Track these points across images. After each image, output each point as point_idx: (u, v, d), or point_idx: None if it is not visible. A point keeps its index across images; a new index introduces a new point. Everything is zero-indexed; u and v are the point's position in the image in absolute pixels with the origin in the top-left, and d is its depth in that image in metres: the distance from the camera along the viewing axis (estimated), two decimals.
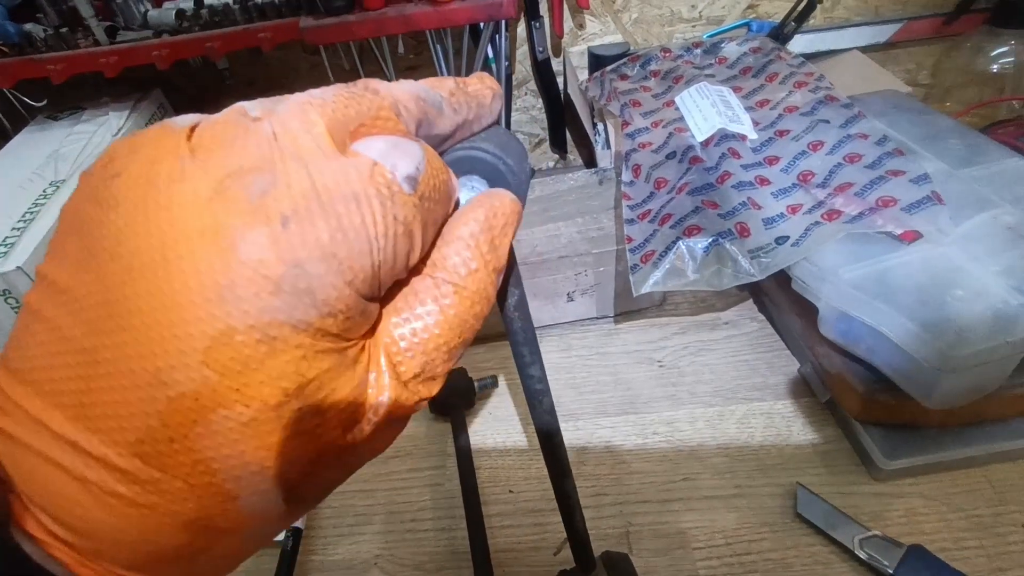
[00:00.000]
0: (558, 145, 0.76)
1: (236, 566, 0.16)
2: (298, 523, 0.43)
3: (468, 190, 0.18)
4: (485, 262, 0.16)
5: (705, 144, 0.48)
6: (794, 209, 0.42)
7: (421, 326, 0.16)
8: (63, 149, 0.53)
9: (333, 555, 0.44)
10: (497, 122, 0.20)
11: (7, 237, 0.42)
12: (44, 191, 0.47)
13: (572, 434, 0.49)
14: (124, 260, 0.12)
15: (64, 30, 0.54)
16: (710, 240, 0.39)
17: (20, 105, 0.59)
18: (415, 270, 0.16)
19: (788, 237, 0.40)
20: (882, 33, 0.68)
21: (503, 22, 0.55)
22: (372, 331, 0.15)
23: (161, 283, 0.12)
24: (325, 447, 0.15)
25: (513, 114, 0.76)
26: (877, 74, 0.66)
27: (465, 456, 0.47)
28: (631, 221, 0.45)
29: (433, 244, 0.16)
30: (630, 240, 0.43)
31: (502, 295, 0.22)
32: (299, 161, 0.13)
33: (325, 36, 0.51)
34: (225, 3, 0.55)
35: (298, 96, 0.14)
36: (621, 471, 0.46)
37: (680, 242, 0.40)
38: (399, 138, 0.15)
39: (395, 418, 0.16)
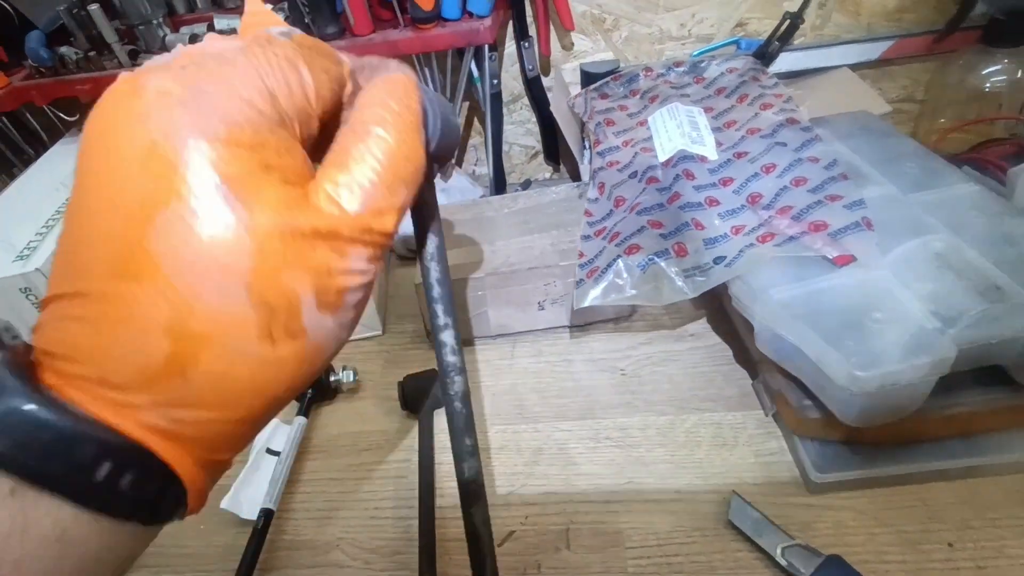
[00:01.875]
0: (551, 157, 0.79)
1: (237, 403, 0.17)
2: (270, 504, 0.47)
3: None
4: (399, 112, 0.19)
5: (665, 164, 0.50)
6: (738, 230, 0.44)
7: (354, 166, 0.18)
8: None
9: (301, 536, 0.48)
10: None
11: (31, 241, 0.48)
12: (66, 200, 0.53)
13: (531, 435, 0.52)
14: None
15: (92, 54, 0.60)
16: (647, 259, 0.42)
17: (56, 120, 0.66)
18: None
19: (725, 257, 0.42)
20: (873, 51, 0.69)
21: (485, 46, 0.58)
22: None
23: (104, 126, 0.16)
24: (264, 237, 0.16)
25: (508, 127, 0.79)
26: (862, 92, 0.66)
27: (426, 452, 0.50)
28: (587, 237, 0.48)
29: (339, 112, 0.19)
30: (582, 255, 0.46)
31: (421, 239, 0.24)
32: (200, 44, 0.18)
33: None
34: (233, 28, 0.60)
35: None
36: (571, 472, 0.49)
37: (619, 259, 0.43)
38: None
39: (345, 244, 0.18)
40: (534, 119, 0.79)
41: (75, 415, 0.15)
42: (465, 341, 0.62)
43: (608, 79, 0.65)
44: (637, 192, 0.49)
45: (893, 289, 0.39)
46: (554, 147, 0.78)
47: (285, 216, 0.16)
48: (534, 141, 0.81)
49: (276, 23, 0.19)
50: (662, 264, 0.41)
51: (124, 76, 0.17)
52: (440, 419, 0.55)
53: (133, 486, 0.16)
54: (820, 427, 0.43)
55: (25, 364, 0.16)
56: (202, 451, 0.18)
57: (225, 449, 0.18)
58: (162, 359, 0.16)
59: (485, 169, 0.83)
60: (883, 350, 0.36)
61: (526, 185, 0.82)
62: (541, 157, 0.82)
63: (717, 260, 0.42)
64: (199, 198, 0.15)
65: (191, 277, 0.15)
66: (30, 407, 0.15)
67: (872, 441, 0.42)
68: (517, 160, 0.83)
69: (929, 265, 0.39)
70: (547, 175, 0.84)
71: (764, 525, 0.42)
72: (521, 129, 0.80)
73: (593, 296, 0.43)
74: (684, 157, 0.50)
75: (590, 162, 0.66)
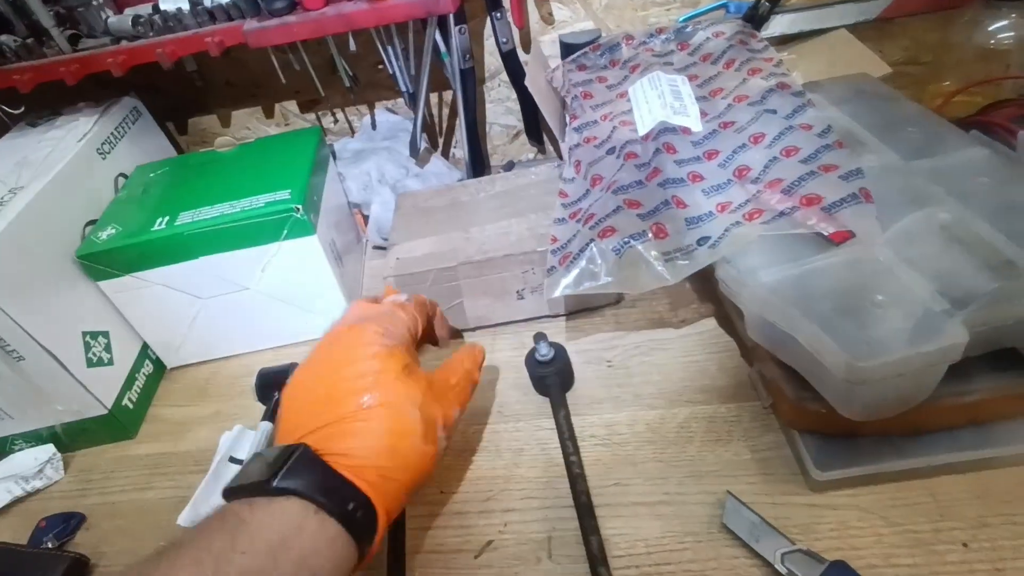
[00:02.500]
0: (534, 136, 0.75)
1: (410, 479, 0.34)
2: None
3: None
4: (469, 375, 0.41)
5: (644, 138, 0.46)
6: (724, 207, 0.40)
7: (461, 375, 0.41)
8: (31, 156, 0.55)
9: None
10: None
11: None
12: (2, 198, 0.49)
13: (511, 435, 0.49)
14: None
15: (31, 41, 0.56)
16: (622, 242, 0.38)
17: (2, 113, 0.62)
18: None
19: (709, 238, 0.38)
20: (871, 10, 0.64)
21: (450, 17, 0.54)
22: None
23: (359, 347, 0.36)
24: (427, 386, 0.36)
25: (488, 105, 0.75)
26: (860, 54, 0.62)
27: None
28: (562, 220, 0.44)
29: (431, 330, 0.45)
30: (554, 240, 0.43)
31: None
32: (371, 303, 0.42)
33: (268, 38, 0.51)
34: (179, 8, 0.56)
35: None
36: (553, 474, 0.45)
37: (592, 244, 0.39)
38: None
39: (458, 394, 0.40)
40: (514, 96, 0.74)
41: (341, 478, 0.31)
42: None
43: (586, 49, 0.60)
44: (615, 169, 0.45)
45: (895, 268, 0.35)
46: (536, 125, 0.73)
47: (432, 381, 0.37)
48: (515, 120, 0.77)
49: (396, 294, 0.43)
50: (639, 247, 0.38)
51: (356, 325, 0.38)
52: None
53: (363, 517, 0.31)
54: (820, 420, 0.39)
55: (315, 452, 0.31)
56: (388, 501, 0.32)
57: (396, 501, 0.33)
58: (385, 446, 0.33)
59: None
60: (886, 337, 0.32)
61: (509, 167, 0.78)
62: (523, 137, 0.78)
63: (701, 241, 0.38)
64: (399, 367, 0.35)
65: (396, 402, 0.34)
66: (328, 472, 0.31)
67: (876, 433, 0.39)
68: (498, 141, 0.79)
69: (934, 240, 0.35)
70: (531, 155, 0.80)
71: (762, 528, 0.38)
72: (501, 108, 0.76)
73: (565, 284, 0.39)
74: (665, 129, 0.46)
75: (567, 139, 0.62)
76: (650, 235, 0.38)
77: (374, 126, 0.72)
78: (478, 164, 0.69)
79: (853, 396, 0.33)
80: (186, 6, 0.56)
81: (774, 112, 0.45)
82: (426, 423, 0.34)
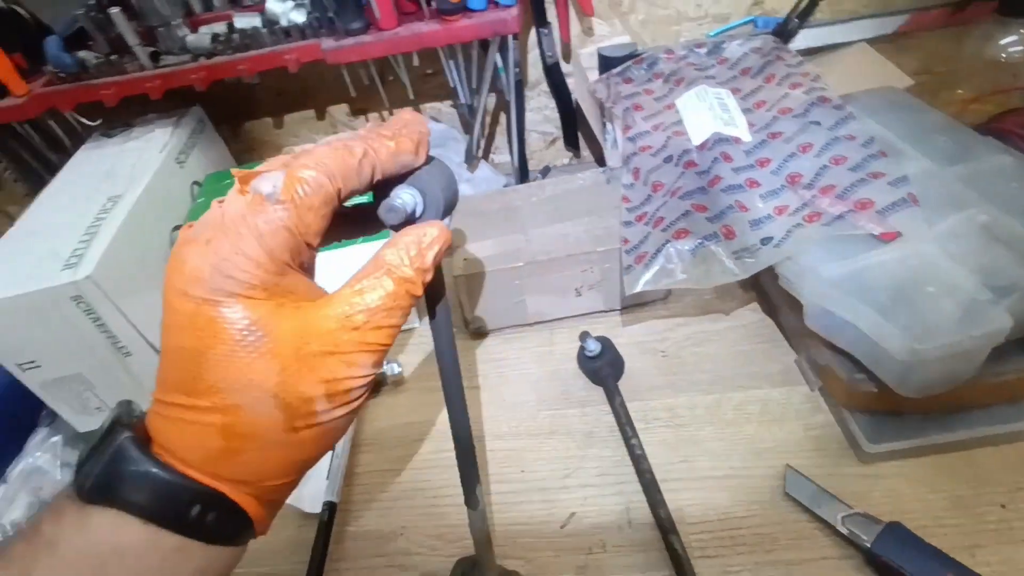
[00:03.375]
0: (571, 143, 0.79)
1: (275, 471, 0.25)
2: (333, 497, 0.48)
3: (398, 195, 0.26)
4: (411, 260, 0.25)
5: (700, 147, 0.51)
6: (781, 210, 0.45)
7: (367, 294, 0.24)
8: (117, 166, 0.59)
9: (364, 527, 0.49)
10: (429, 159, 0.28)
11: (76, 248, 0.48)
12: (104, 206, 0.53)
13: (580, 419, 0.53)
14: (164, 296, 0.23)
15: (114, 57, 0.59)
16: (697, 243, 0.43)
17: (77, 124, 0.65)
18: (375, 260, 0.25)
19: (772, 238, 0.43)
20: (890, 25, 0.69)
21: (509, 36, 0.58)
22: (304, 297, 0.24)
23: (167, 296, 0.23)
24: (286, 362, 0.23)
25: (528, 114, 0.79)
26: (882, 66, 0.67)
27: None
28: (629, 223, 0.49)
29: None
30: (626, 242, 0.47)
31: (431, 311, 0.30)
32: (223, 209, 0.23)
33: (344, 56, 0.55)
34: (255, 27, 0.59)
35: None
36: (623, 453, 0.50)
37: (669, 245, 0.43)
38: (268, 172, 0.23)
39: (352, 355, 0.24)
40: (552, 105, 0.79)
41: (174, 473, 0.23)
42: (501, 330, 0.63)
43: (630, 63, 0.65)
44: (675, 176, 0.49)
45: (941, 263, 0.40)
46: (574, 133, 0.78)
47: (299, 343, 0.23)
48: (552, 128, 0.81)
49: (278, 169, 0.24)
50: (712, 247, 0.42)
51: (175, 249, 0.23)
52: (487, 406, 0.56)
53: (216, 520, 0.23)
54: (871, 399, 0.44)
55: (145, 439, 0.23)
56: (260, 495, 0.25)
57: (275, 496, 0.25)
58: (217, 451, 0.23)
59: (505, 157, 0.83)
60: (939, 322, 0.37)
61: (545, 172, 0.82)
62: (559, 143, 0.82)
63: (764, 241, 0.43)
64: (234, 340, 0.22)
65: (235, 396, 0.22)
66: (153, 470, 0.22)
67: (921, 410, 0.44)
68: (535, 147, 0.83)
69: (976, 238, 0.40)
70: (565, 161, 0.85)
71: (821, 496, 0.43)
72: (539, 116, 0.80)
73: (645, 280, 0.43)
74: (719, 140, 0.50)
75: (615, 146, 0.66)
76: (721, 236, 0.42)
77: None
78: (524, 170, 0.73)
79: (910, 375, 0.38)
80: (259, 23, 0.60)
81: (818, 124, 0.50)
82: (289, 410, 0.23)
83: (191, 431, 0.23)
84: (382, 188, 0.27)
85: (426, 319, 0.62)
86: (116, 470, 0.22)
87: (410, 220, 0.26)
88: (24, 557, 0.22)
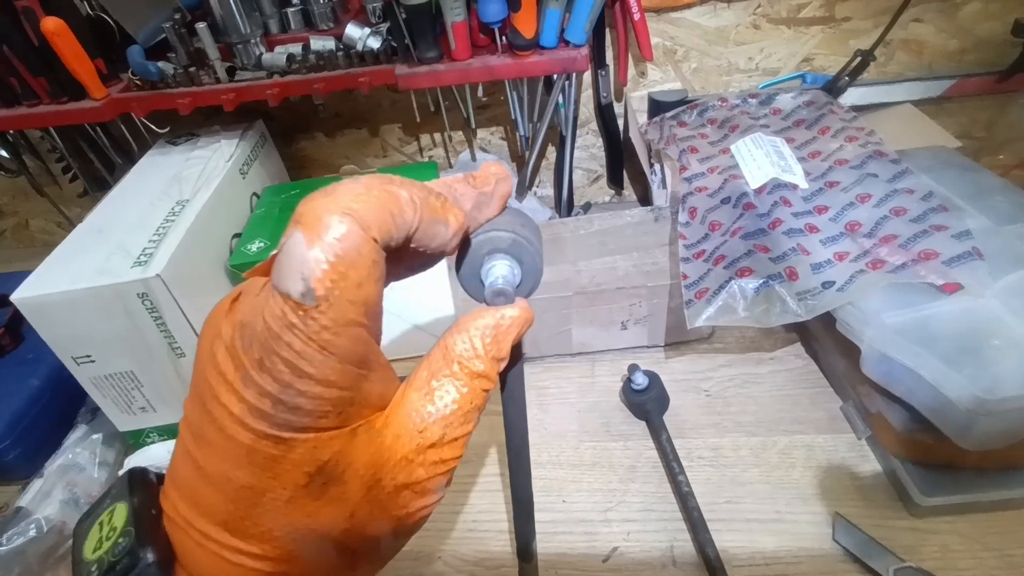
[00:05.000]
0: (615, 181, 0.81)
1: None
2: None
3: (493, 266, 0.22)
4: (486, 351, 0.21)
5: (758, 191, 0.52)
6: (841, 256, 0.46)
7: (439, 398, 0.20)
8: (184, 172, 0.61)
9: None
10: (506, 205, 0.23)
11: (145, 248, 0.49)
12: (172, 209, 0.54)
13: (622, 453, 0.53)
14: (203, 398, 0.18)
15: (192, 69, 0.62)
16: (761, 282, 0.43)
17: (145, 130, 0.68)
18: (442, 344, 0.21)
19: (834, 282, 0.43)
20: (935, 88, 0.71)
21: (575, 74, 0.60)
22: (379, 406, 0.20)
23: (217, 413, 0.18)
24: (356, 508, 0.20)
25: (576, 151, 0.81)
26: (928, 127, 0.68)
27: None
28: (686, 259, 0.49)
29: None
30: (685, 277, 0.48)
31: (503, 380, 0.26)
32: (260, 310, 0.17)
33: (417, 82, 0.58)
34: (330, 49, 0.62)
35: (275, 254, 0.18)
36: (667, 490, 0.49)
37: (733, 282, 0.44)
38: (287, 248, 0.17)
39: (426, 481, 0.20)
40: (598, 144, 0.81)
41: None
42: (544, 358, 0.63)
43: (684, 107, 0.67)
44: (734, 217, 0.50)
45: (1004, 317, 0.41)
46: (619, 171, 0.80)
47: (371, 480, 0.19)
48: (597, 165, 0.83)
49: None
50: (776, 287, 0.43)
51: (227, 352, 0.18)
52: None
53: None
54: (925, 450, 0.44)
55: (167, 557, 0.20)
56: None
57: None
58: None
59: (547, 191, 0.85)
60: (1004, 374, 0.37)
61: (587, 208, 0.84)
62: (602, 181, 0.84)
63: (826, 284, 0.44)
64: (299, 485, 0.18)
65: (292, 545, 0.19)
66: None
67: (976, 465, 0.43)
68: (578, 183, 0.85)
69: None
70: (606, 198, 0.86)
71: (872, 546, 0.43)
72: (585, 154, 0.82)
73: (707, 316, 0.44)
74: (778, 184, 0.51)
75: (663, 186, 0.67)
76: (785, 277, 0.43)
77: (473, 159, 0.78)
78: (570, 203, 0.75)
79: (972, 427, 0.38)
80: (334, 46, 0.62)
81: (875, 176, 0.51)
82: (351, 555, 0.20)
83: (230, 571, 0.19)
84: None
85: None
86: None
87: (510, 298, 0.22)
88: None
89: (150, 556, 0.19)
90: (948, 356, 0.39)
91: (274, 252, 0.18)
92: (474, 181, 0.22)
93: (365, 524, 0.20)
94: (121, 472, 0.19)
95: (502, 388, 0.26)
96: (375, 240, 0.17)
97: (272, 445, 0.18)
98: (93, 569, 0.19)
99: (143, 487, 0.21)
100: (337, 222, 0.16)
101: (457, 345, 0.21)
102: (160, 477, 0.21)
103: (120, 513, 0.20)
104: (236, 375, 0.17)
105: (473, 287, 0.23)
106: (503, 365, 0.22)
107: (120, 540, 0.19)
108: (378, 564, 0.22)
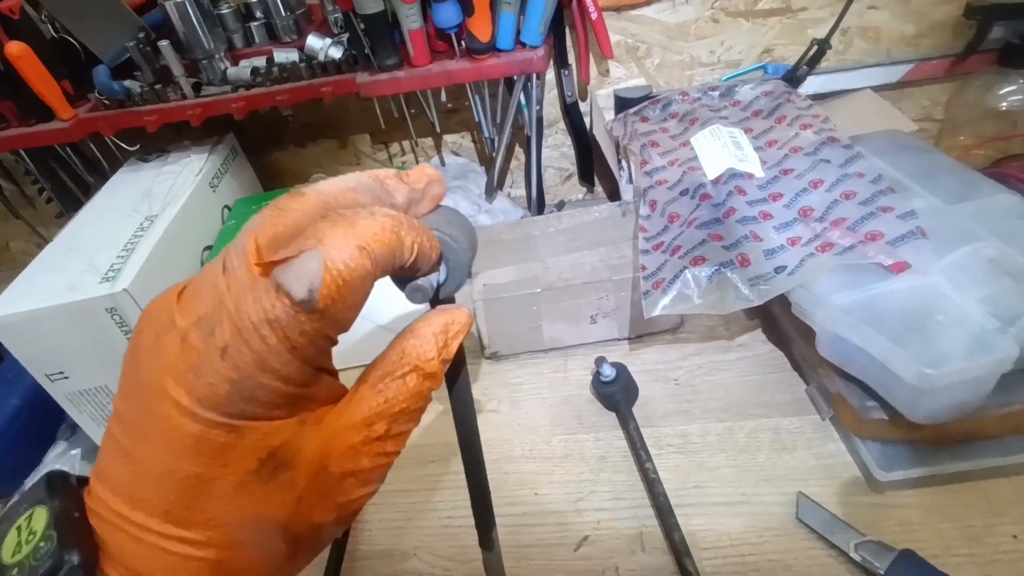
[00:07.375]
0: (586, 179, 0.82)
1: None
2: None
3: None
4: (438, 353, 0.22)
5: (715, 182, 0.53)
6: (794, 241, 0.47)
7: (391, 396, 0.21)
8: (154, 188, 0.61)
9: (378, 546, 0.49)
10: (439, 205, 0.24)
11: (113, 264, 0.50)
12: (141, 224, 0.55)
13: (593, 444, 0.54)
14: (142, 393, 0.19)
15: (158, 86, 0.63)
16: (713, 269, 0.44)
17: (116, 149, 0.69)
18: (392, 347, 0.22)
19: (786, 267, 0.44)
20: (893, 74, 0.72)
21: (534, 75, 0.61)
22: (324, 403, 0.21)
23: (160, 407, 0.18)
24: (304, 493, 0.20)
25: (544, 151, 0.82)
26: (887, 112, 0.69)
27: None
28: (646, 251, 0.50)
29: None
30: (644, 268, 0.49)
31: (451, 382, 0.27)
32: (235, 299, 0.18)
33: (378, 90, 0.59)
34: (293, 61, 0.63)
35: (247, 225, 0.19)
36: (636, 478, 0.50)
37: (686, 271, 0.45)
38: (304, 258, 0.18)
39: (369, 471, 0.21)
40: (568, 143, 0.82)
41: None
42: (517, 355, 0.64)
43: (646, 103, 0.68)
44: (691, 208, 0.51)
45: (949, 293, 0.42)
46: (589, 169, 0.81)
47: (318, 467, 0.20)
48: (568, 164, 0.84)
49: (313, 245, 0.19)
50: (728, 274, 0.44)
51: (179, 344, 0.18)
52: (501, 428, 0.56)
53: None
54: (882, 427, 0.44)
55: (92, 552, 0.19)
56: None
57: None
58: None
59: (520, 191, 0.86)
60: (948, 349, 0.38)
61: (560, 206, 0.85)
62: (574, 179, 0.85)
63: (778, 270, 0.45)
64: (248, 471, 0.19)
65: (238, 532, 0.20)
66: None
67: (932, 440, 0.44)
68: (551, 182, 0.86)
69: (983, 270, 0.42)
70: (579, 196, 0.87)
71: (834, 523, 0.44)
72: (555, 153, 0.83)
73: (663, 305, 0.45)
74: (733, 175, 0.52)
75: (630, 181, 0.69)
76: (736, 263, 0.44)
77: (442, 163, 0.79)
78: (541, 202, 0.76)
79: (920, 401, 0.39)
80: (297, 58, 0.63)
81: (828, 162, 0.52)
82: (295, 541, 0.21)
83: (172, 562, 0.19)
84: None
85: None
86: None
87: (435, 296, 0.23)
88: None
89: (75, 558, 0.18)
90: (895, 333, 0.40)
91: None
92: (407, 178, 0.23)
93: (311, 510, 0.21)
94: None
95: (449, 390, 0.28)
96: (375, 276, 0.19)
97: (223, 433, 0.18)
98: (14, 573, 0.19)
99: (63, 489, 0.20)
100: (356, 253, 0.18)
101: (414, 349, 0.22)
102: (80, 479, 0.21)
103: (39, 517, 0.19)
104: (187, 365, 0.18)
105: (399, 281, 0.24)
106: (447, 365, 0.23)
107: (41, 544, 0.19)
108: (314, 552, 0.23)
